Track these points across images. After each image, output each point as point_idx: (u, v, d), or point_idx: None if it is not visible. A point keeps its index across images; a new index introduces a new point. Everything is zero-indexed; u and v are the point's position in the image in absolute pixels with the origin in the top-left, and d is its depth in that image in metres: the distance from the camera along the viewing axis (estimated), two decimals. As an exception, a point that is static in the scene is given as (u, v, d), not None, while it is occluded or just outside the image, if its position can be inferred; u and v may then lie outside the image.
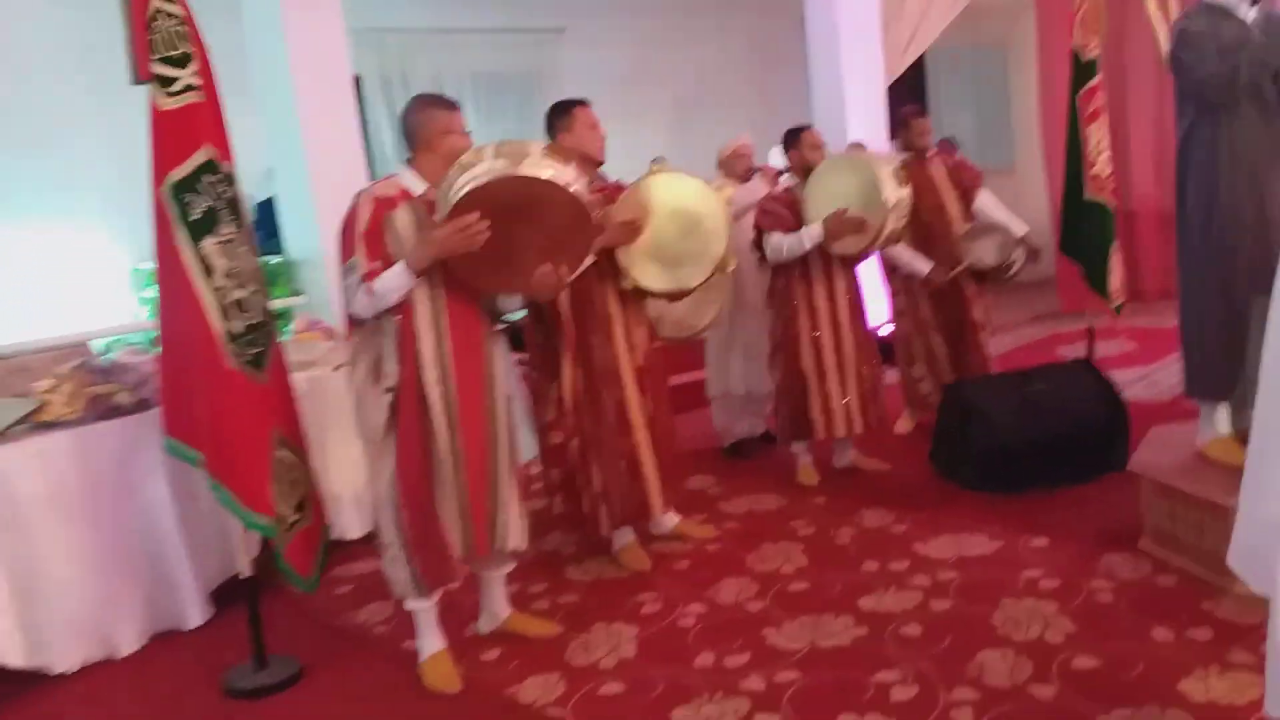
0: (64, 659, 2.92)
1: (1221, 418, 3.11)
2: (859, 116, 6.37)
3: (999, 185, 8.61)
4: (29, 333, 4.17)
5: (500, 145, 2.57)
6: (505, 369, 2.96)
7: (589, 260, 3.12)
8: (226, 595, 3.24)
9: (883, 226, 3.82)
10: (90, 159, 5.59)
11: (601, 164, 3.38)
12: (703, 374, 4.82)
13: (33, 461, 2.92)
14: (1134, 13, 5.72)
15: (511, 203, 2.53)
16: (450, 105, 2.76)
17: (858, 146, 4.20)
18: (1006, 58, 9.00)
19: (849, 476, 4.22)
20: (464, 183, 2.49)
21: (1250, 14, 2.98)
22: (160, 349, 2.92)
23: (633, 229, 3.24)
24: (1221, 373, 3.01)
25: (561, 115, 3.33)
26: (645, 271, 3.32)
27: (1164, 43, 5.05)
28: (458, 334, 2.69)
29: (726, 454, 4.72)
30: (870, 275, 5.54)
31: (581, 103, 3.35)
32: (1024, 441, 3.75)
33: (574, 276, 2.89)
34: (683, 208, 3.32)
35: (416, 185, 2.68)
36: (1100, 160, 4.95)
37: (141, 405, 3.18)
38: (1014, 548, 3.28)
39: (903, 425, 4.71)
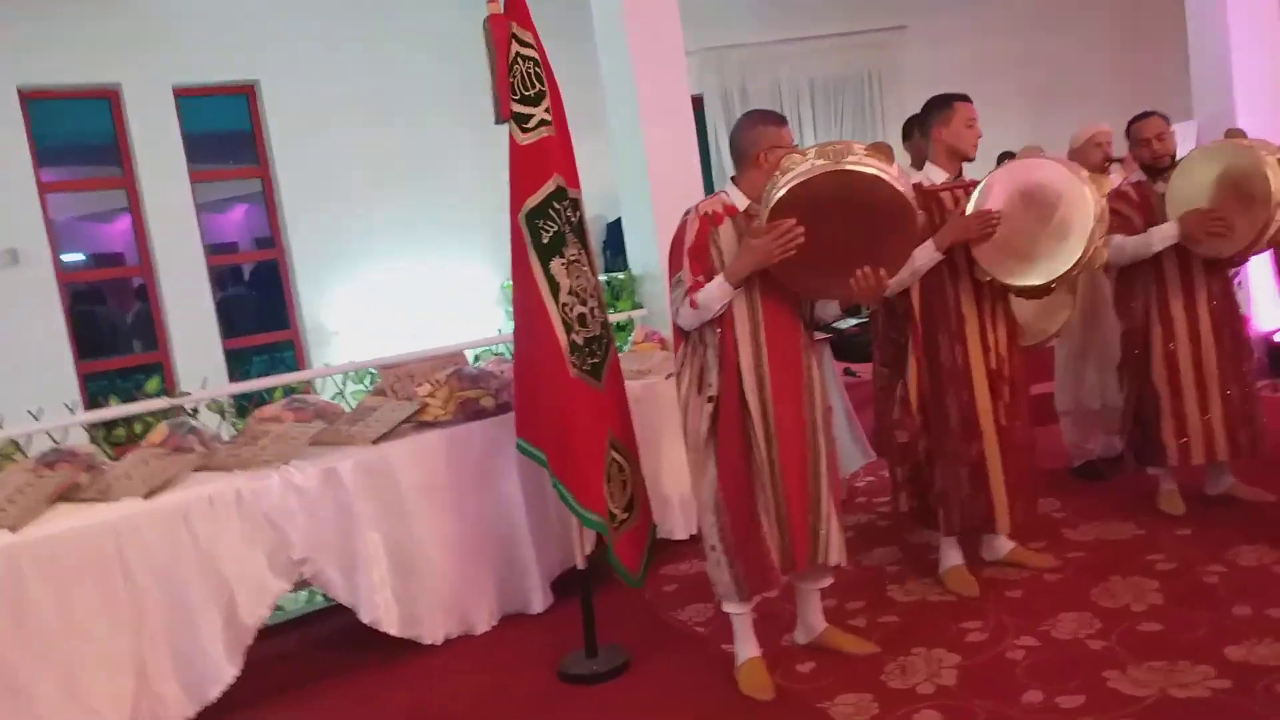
0: (432, 632, 3.34)
1: None
2: (1248, 92, 5.56)
3: None
4: (420, 345, 4.83)
5: (823, 146, 2.60)
6: (825, 380, 2.96)
7: (931, 257, 3.08)
8: (566, 585, 3.53)
9: (1267, 224, 3.34)
10: (469, 192, 6.37)
11: (970, 160, 3.29)
12: (1050, 386, 4.47)
13: (413, 456, 3.37)
14: None
15: (831, 201, 2.54)
16: (778, 120, 2.82)
17: (1237, 133, 3.65)
18: None
19: (1223, 506, 3.72)
20: (786, 181, 2.54)
21: None
22: (514, 358, 3.27)
23: (987, 222, 3.08)
24: None
25: (942, 107, 3.26)
26: (1000, 265, 3.15)
27: None
28: (775, 345, 2.74)
29: (1076, 474, 4.34)
30: (1261, 271, 4.87)
31: (964, 98, 3.26)
32: None
33: (900, 277, 2.82)
34: (1043, 195, 3.11)
35: (741, 201, 2.77)
36: None
37: (501, 408, 3.56)
38: None
39: None
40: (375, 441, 3.35)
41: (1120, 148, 4.14)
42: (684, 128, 5.32)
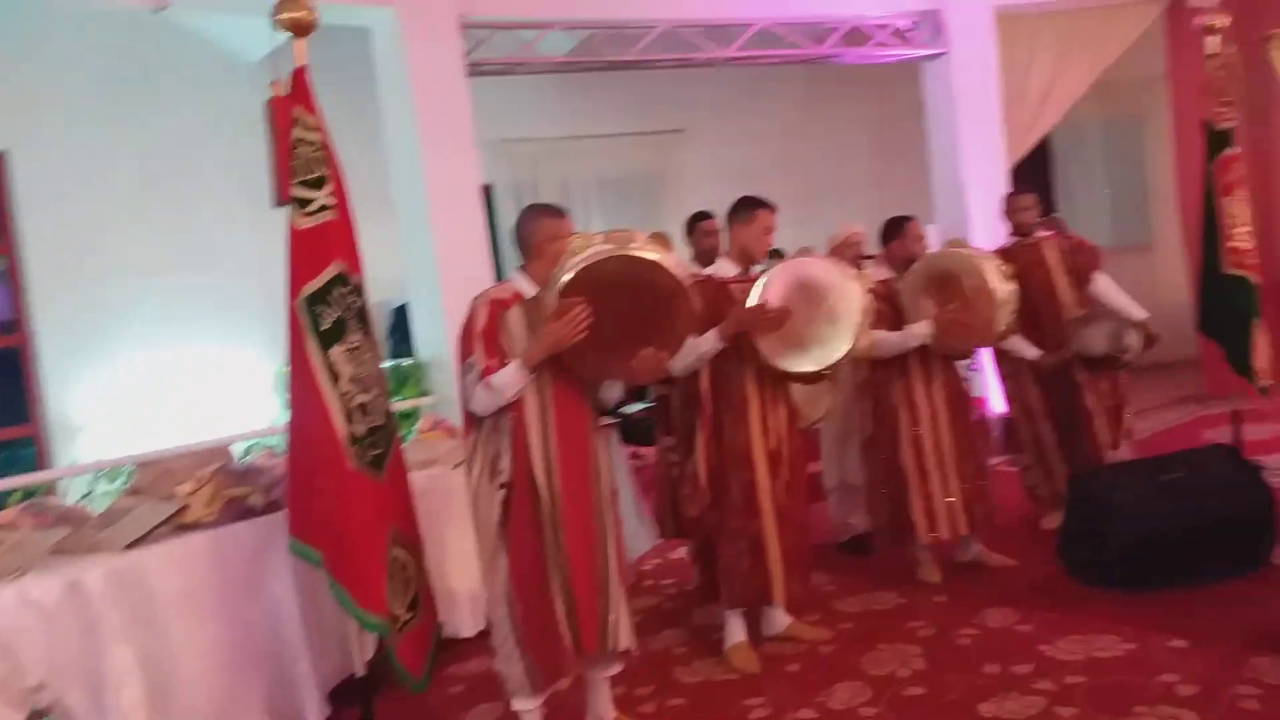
0: (190, 756, 3.06)
1: None
2: (979, 201, 6.27)
3: (1135, 263, 8.37)
4: (182, 439, 4.51)
5: (608, 233, 2.72)
6: (612, 463, 3.02)
7: (715, 344, 3.26)
8: (347, 694, 3.35)
9: (993, 325, 3.77)
10: (243, 274, 6.09)
11: (758, 263, 3.52)
12: (818, 466, 4.75)
13: (172, 562, 3.11)
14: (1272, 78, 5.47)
15: (615, 284, 2.64)
16: (558, 213, 2.91)
17: (957, 243, 4.14)
18: (1142, 130, 8.70)
19: (973, 573, 4.05)
20: (573, 264, 2.63)
21: None
22: (287, 451, 3.12)
23: (764, 314, 3.29)
24: None
25: (747, 210, 3.48)
26: (779, 353, 3.37)
27: None
28: (563, 428, 2.77)
29: (843, 549, 4.60)
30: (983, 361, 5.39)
31: (767, 206, 3.49)
32: (1160, 534, 3.53)
33: (681, 360, 2.99)
34: (816, 291, 3.38)
35: (529, 289, 2.82)
36: (1239, 233, 4.71)
37: (272, 506, 3.38)
38: (1149, 650, 3.06)
39: (1049, 521, 4.40)
40: (128, 547, 3.07)
41: (871, 248, 4.58)
42: (474, 216, 5.37)
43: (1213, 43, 4.71)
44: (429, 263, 5.23)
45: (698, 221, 4.37)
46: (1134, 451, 4.60)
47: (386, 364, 5.40)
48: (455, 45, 5.27)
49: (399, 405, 5.00)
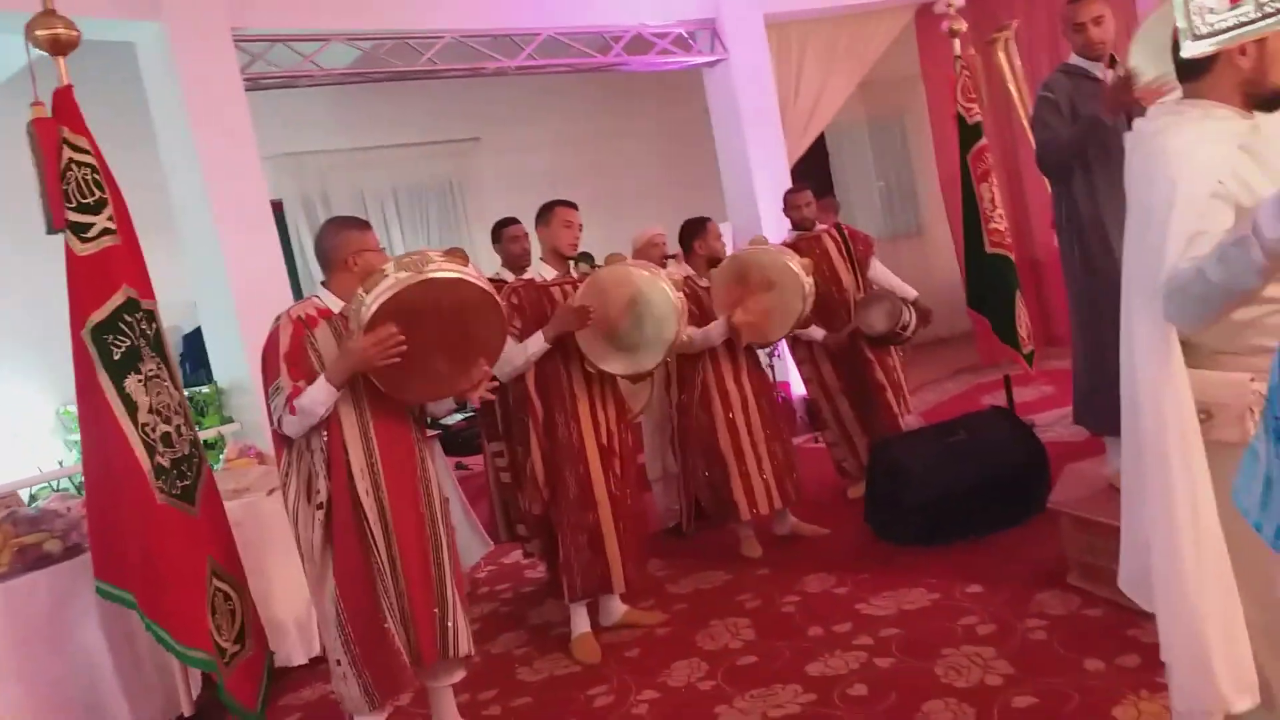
0: (1, 824, 2.81)
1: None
2: (767, 199, 6.61)
3: (908, 250, 9.07)
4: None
5: (399, 259, 2.65)
6: (439, 474, 3.00)
7: (541, 346, 3.34)
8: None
9: (799, 314, 4.05)
10: (12, 309, 5.58)
11: (570, 258, 3.61)
12: (642, 459, 4.88)
13: (-40, 620, 2.86)
14: (1032, 70, 6.07)
15: (423, 310, 2.59)
16: (362, 225, 2.86)
17: (759, 241, 4.40)
18: (904, 127, 9.43)
19: (791, 544, 4.29)
20: (372, 300, 2.54)
21: (1107, 74, 3.21)
22: (86, 492, 2.91)
23: (583, 314, 3.37)
24: (1102, 405, 3.20)
25: (544, 212, 3.60)
26: (604, 355, 3.49)
27: (1019, 102, 5.44)
28: (386, 444, 2.73)
29: (670, 534, 4.76)
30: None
31: (564, 203, 3.59)
32: (950, 492, 3.87)
33: (504, 367, 3.00)
34: (633, 294, 3.49)
35: (334, 304, 2.75)
36: (997, 215, 5.23)
37: (72, 551, 3.15)
38: (950, 597, 3.36)
39: (854, 490, 4.72)
40: (-94, 609, 2.79)
41: (672, 248, 4.78)
42: (265, 234, 5.15)
43: (957, 45, 5.21)
44: (221, 284, 4.97)
45: (503, 228, 4.41)
46: (922, 420, 5.02)
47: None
48: (229, 59, 5.04)
49: (202, 435, 4.74)
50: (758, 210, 6.68)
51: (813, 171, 7.91)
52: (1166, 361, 1.81)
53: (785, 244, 4.62)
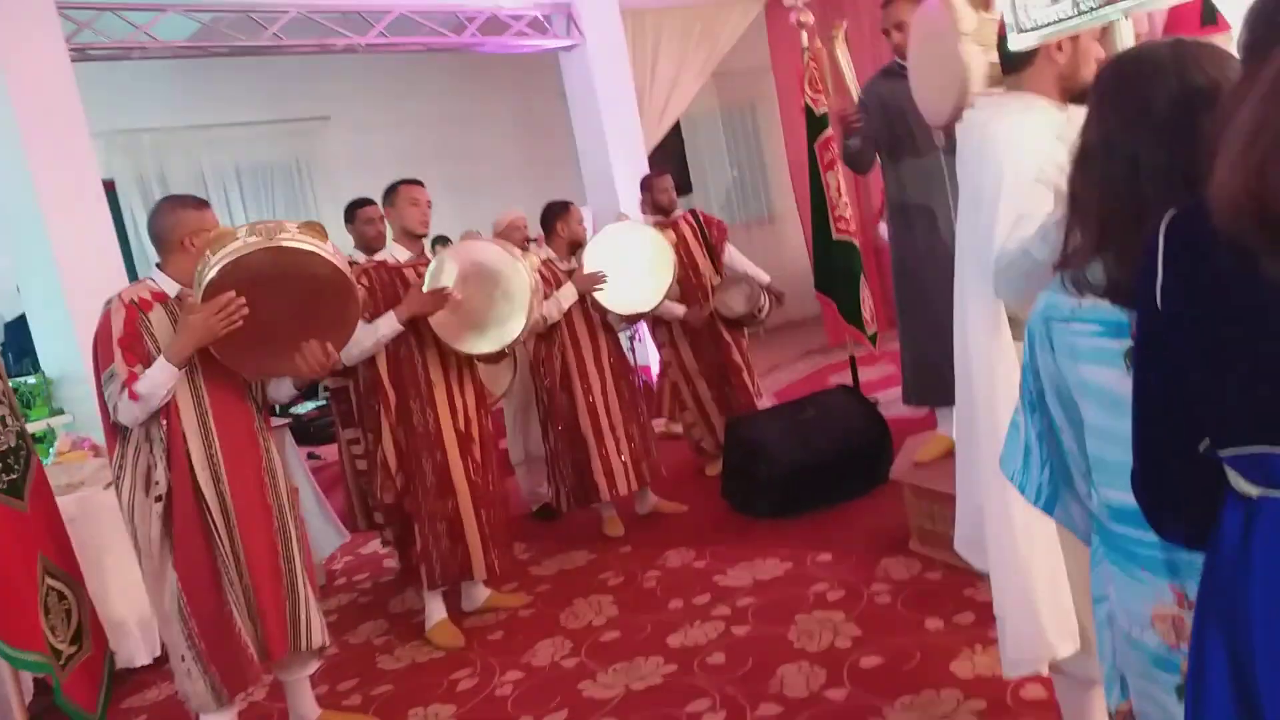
0: None
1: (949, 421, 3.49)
2: (625, 184, 6.68)
3: (761, 235, 9.34)
4: None
5: (253, 225, 2.56)
6: (288, 463, 2.92)
7: (393, 327, 3.26)
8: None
9: (669, 289, 4.15)
10: None
11: (421, 236, 3.53)
12: (504, 443, 4.87)
13: None
14: (860, 69, 6.33)
15: (268, 278, 2.49)
16: (199, 204, 2.73)
17: (624, 218, 4.47)
18: (756, 116, 9.68)
19: (652, 522, 4.38)
20: (218, 260, 2.45)
21: None
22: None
23: (439, 297, 3.32)
24: (927, 382, 3.41)
25: (388, 193, 3.51)
26: (455, 335, 3.42)
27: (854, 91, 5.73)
28: (226, 432, 2.63)
29: (535, 517, 4.78)
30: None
31: (408, 181, 3.50)
32: (801, 466, 4.04)
33: (353, 349, 2.92)
34: (487, 273, 3.45)
35: (171, 287, 2.63)
36: (842, 203, 5.45)
37: (-120, 555, 2.89)
38: (803, 566, 3.51)
39: (711, 468, 4.84)
40: None
41: (533, 231, 4.79)
42: (96, 214, 4.84)
43: (805, 37, 5.39)
44: (48, 269, 4.64)
45: (357, 209, 4.30)
46: (774, 399, 5.20)
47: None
48: (53, 28, 4.70)
49: (30, 428, 4.44)
50: (616, 194, 6.73)
51: (668, 158, 8.04)
52: (996, 335, 1.95)
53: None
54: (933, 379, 3.37)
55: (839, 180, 5.44)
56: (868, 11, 7.25)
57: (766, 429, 4.25)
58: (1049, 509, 1.48)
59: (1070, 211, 1.27)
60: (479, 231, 3.68)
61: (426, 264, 3.49)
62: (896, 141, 3.42)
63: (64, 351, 4.67)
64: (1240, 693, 0.98)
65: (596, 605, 3.55)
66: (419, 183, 3.52)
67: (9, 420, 2.75)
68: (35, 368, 4.92)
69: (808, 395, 4.62)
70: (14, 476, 2.71)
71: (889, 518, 3.68)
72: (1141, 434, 1.12)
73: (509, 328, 3.48)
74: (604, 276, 4.09)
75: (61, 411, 4.68)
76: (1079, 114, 1.97)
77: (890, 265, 3.67)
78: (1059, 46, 1.91)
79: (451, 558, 3.43)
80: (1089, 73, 1.94)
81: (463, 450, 3.48)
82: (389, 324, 3.31)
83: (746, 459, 4.18)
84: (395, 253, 3.51)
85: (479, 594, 3.67)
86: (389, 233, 3.68)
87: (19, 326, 5.31)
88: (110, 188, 6.50)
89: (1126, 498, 1.18)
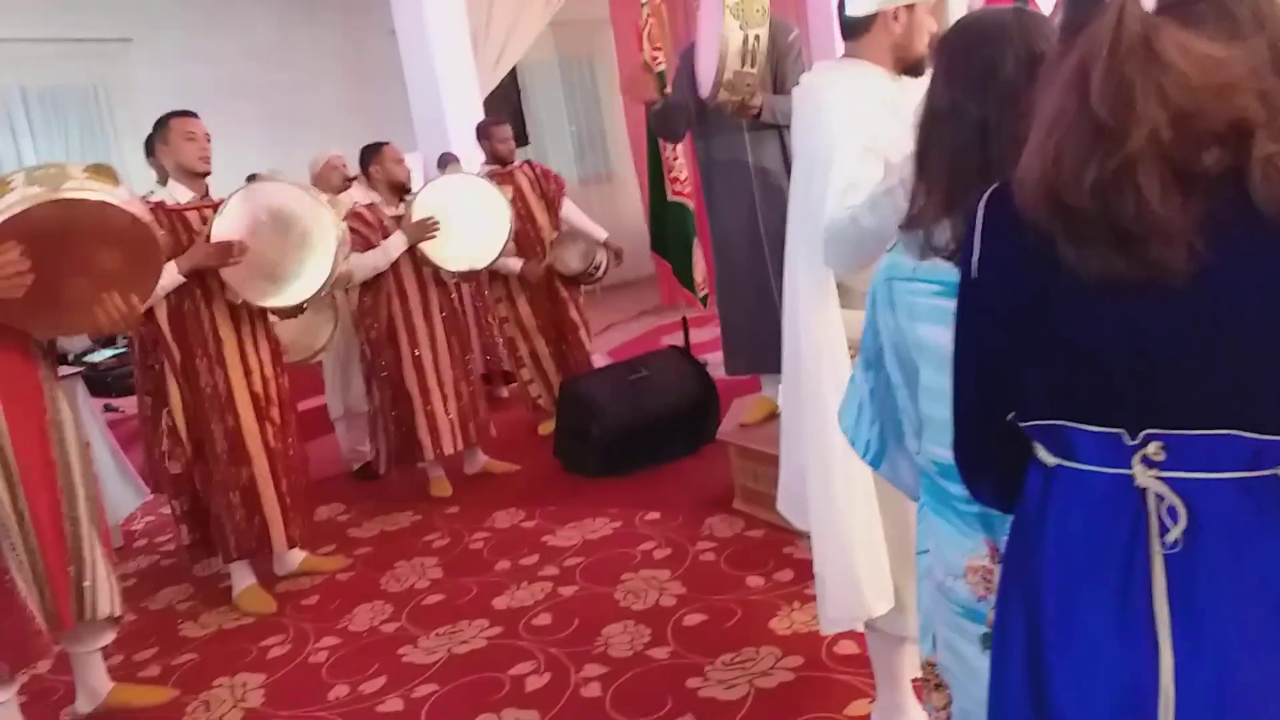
0: None
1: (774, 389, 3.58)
2: (458, 128, 6.44)
3: (598, 193, 9.28)
4: None
5: (31, 171, 2.32)
6: (80, 416, 2.66)
7: (173, 279, 2.96)
8: None
9: (507, 243, 4.02)
10: None
11: (204, 175, 3.16)
12: (321, 399, 4.65)
13: None
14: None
15: (57, 232, 2.26)
16: None
17: (450, 158, 4.29)
18: (594, 68, 9.56)
19: (482, 481, 4.28)
20: None
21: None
22: None
23: (226, 249, 3.04)
24: (744, 351, 3.48)
25: (160, 128, 3.13)
26: (252, 288, 3.14)
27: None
28: (5, 383, 2.37)
29: (356, 477, 4.59)
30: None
31: (181, 113, 3.13)
32: (633, 425, 4.06)
33: (149, 301, 2.67)
34: (285, 219, 3.18)
35: None
36: (678, 165, 5.46)
37: None
38: (631, 525, 3.53)
39: (545, 427, 4.76)
40: None
41: (352, 170, 4.55)
42: None
43: (645, -10, 5.32)
44: None
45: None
46: (608, 358, 5.18)
47: None
48: None
49: None
50: (448, 139, 6.49)
51: (506, 108, 7.83)
52: (824, 302, 1.98)
53: (481, 177, 4.54)
54: (750, 348, 3.43)
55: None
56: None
57: (600, 388, 4.23)
58: (876, 464, 1.52)
59: (917, 173, 1.28)
60: (278, 172, 3.37)
61: (211, 206, 3.15)
62: (702, 113, 3.39)
63: None
64: (1032, 644, 1.02)
65: (420, 568, 3.45)
66: (193, 114, 3.15)
67: None
68: None
69: (640, 355, 4.63)
70: None
71: (715, 477, 3.74)
72: (957, 400, 1.15)
73: (308, 280, 3.19)
74: (436, 225, 3.92)
75: None
76: (911, 85, 2.03)
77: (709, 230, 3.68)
78: (895, 16, 1.94)
79: (248, 530, 3.20)
80: (922, 45, 1.97)
81: (259, 413, 3.23)
82: (169, 275, 2.93)
83: (580, 418, 4.15)
84: (176, 194, 3.13)
85: (292, 558, 3.49)
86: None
87: None
88: None
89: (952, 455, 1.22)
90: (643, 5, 5.36)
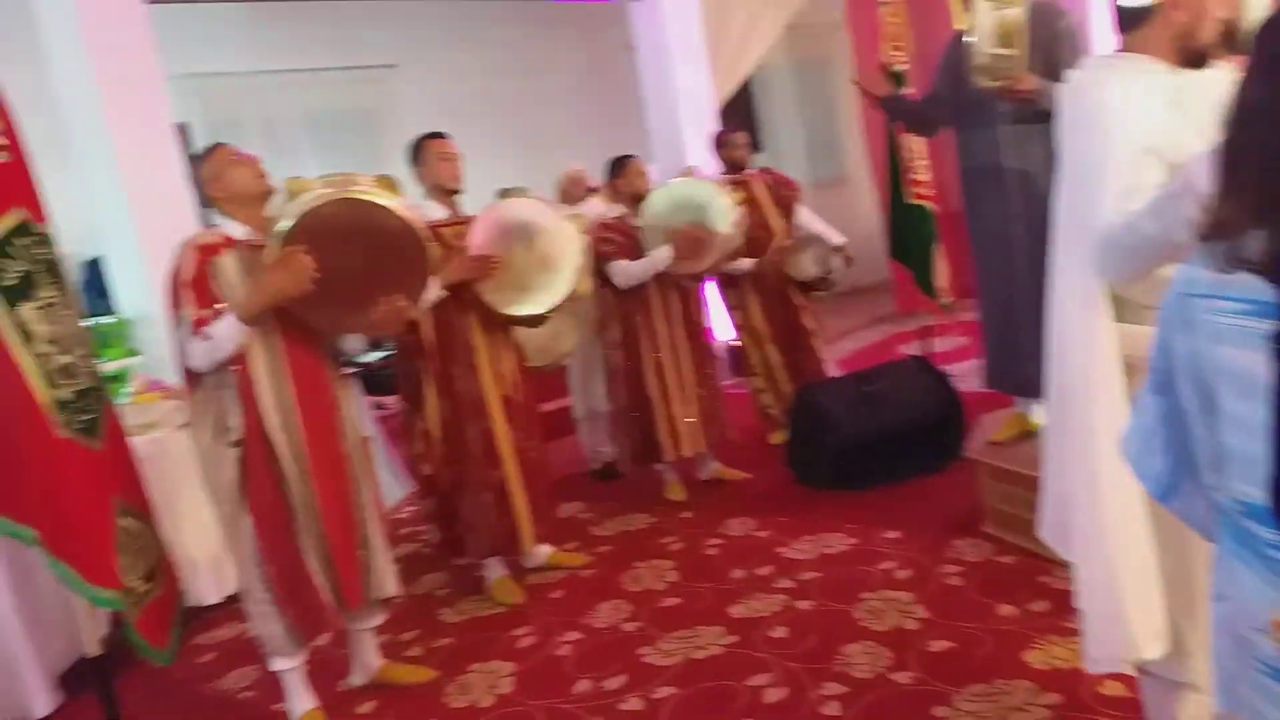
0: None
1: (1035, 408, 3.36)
2: (694, 138, 6.54)
3: (831, 197, 9.12)
4: None
5: (328, 177, 2.56)
6: (358, 412, 2.92)
7: (437, 293, 3.16)
8: (78, 678, 3.05)
9: (727, 244, 4.00)
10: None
11: (455, 192, 3.39)
12: (569, 400, 4.85)
13: None
14: (943, 24, 6.09)
15: (342, 232, 2.49)
16: (220, 144, 2.72)
17: (689, 172, 4.36)
18: (829, 71, 9.42)
19: (714, 488, 4.32)
20: (293, 210, 2.45)
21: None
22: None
23: (485, 264, 3.25)
24: (1011, 368, 3.27)
25: (416, 149, 3.37)
26: (501, 298, 3.33)
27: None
28: (300, 379, 2.63)
29: (596, 476, 4.76)
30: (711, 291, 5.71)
31: (435, 135, 3.37)
32: (869, 438, 3.95)
33: (418, 307, 2.88)
34: (530, 233, 3.35)
35: (238, 231, 2.63)
36: (918, 166, 5.28)
37: (-35, 487, 2.96)
38: (870, 542, 3.44)
39: (776, 436, 4.73)
40: None
41: (595, 183, 4.71)
42: (168, 157, 4.86)
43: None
44: (121, 210, 4.70)
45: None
46: (840, 367, 5.08)
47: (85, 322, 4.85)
48: (126, -32, 4.71)
49: (105, 367, 4.52)
50: (683, 151, 6.60)
51: (739, 115, 7.86)
52: (1094, 314, 1.84)
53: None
54: (1014, 367, 3.25)
55: (916, 142, 5.27)
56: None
57: (836, 398, 4.15)
58: (1166, 499, 1.39)
59: (1223, 175, 1.16)
60: (525, 188, 3.55)
61: (463, 222, 3.36)
62: (966, 107, 3.24)
63: (137, 292, 4.74)
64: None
65: (658, 570, 3.52)
66: (446, 135, 3.38)
67: (85, 361, 2.79)
68: (110, 308, 5.01)
69: (877, 366, 4.50)
70: (90, 417, 2.74)
71: (961, 497, 3.57)
72: (1274, 434, 1.03)
73: (554, 290, 3.37)
74: (705, 239, 3.93)
75: (136, 353, 4.76)
76: (1195, 79, 1.85)
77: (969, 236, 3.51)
78: (1176, 5, 1.78)
79: (500, 528, 3.37)
80: (1209, 34, 1.80)
81: (509, 416, 3.40)
82: (433, 289, 3.15)
83: (814, 428, 4.09)
84: (430, 211, 3.34)
85: (540, 552, 3.66)
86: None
87: (98, 267, 5.40)
88: (183, 131, 6.55)
89: (1261, 493, 1.10)
90: (880, 5, 5.23)
